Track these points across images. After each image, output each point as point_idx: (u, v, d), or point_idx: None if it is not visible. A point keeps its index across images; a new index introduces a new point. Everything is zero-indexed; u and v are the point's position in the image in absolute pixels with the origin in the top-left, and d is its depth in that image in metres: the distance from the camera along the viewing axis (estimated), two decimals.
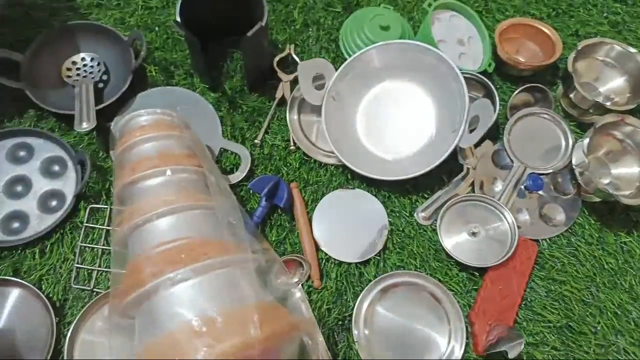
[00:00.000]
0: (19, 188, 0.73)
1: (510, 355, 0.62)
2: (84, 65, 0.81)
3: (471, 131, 0.71)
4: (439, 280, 0.71)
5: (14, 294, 0.66)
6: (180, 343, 0.47)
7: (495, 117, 0.75)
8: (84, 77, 0.80)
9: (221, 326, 0.48)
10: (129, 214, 0.58)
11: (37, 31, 0.83)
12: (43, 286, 0.68)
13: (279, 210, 0.75)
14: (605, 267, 0.74)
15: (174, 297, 0.50)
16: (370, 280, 0.71)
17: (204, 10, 0.74)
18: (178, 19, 0.69)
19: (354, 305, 0.69)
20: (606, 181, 0.76)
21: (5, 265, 0.68)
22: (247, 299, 0.52)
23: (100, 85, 0.81)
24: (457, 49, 0.82)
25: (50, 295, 0.67)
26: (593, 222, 0.77)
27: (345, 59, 0.84)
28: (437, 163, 0.71)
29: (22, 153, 0.75)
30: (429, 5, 0.80)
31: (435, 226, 0.73)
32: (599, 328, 0.70)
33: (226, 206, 0.61)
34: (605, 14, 0.93)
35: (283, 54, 0.85)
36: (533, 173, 0.77)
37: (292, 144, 0.79)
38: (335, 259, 0.72)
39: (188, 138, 0.66)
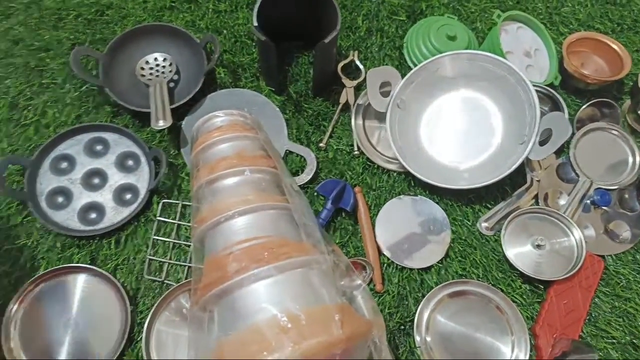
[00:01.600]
0: (96, 180, 0.76)
1: None
2: (157, 65, 0.84)
3: (540, 144, 0.71)
4: (502, 291, 0.71)
5: (91, 281, 0.69)
6: (267, 336, 0.48)
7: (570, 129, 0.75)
8: (157, 76, 0.83)
9: (305, 324, 0.49)
10: (209, 212, 0.60)
11: (112, 30, 0.87)
12: (117, 275, 0.70)
13: (343, 214, 0.76)
14: None
15: (258, 293, 0.52)
16: (431, 287, 0.71)
17: (276, 15, 0.76)
18: (256, 24, 0.71)
19: (416, 310, 0.70)
20: None
21: (83, 254, 0.71)
22: (326, 299, 0.53)
23: (171, 84, 0.83)
24: (523, 60, 0.82)
25: (125, 284, 0.70)
26: None
27: (409, 67, 0.85)
28: (505, 174, 0.71)
29: (98, 147, 0.78)
30: (498, 16, 0.81)
31: (498, 236, 0.73)
32: None
33: (301, 207, 0.63)
34: None
35: (347, 60, 0.86)
36: (600, 188, 0.76)
37: (355, 148, 0.80)
38: (397, 264, 0.73)
39: (262, 139, 0.68)
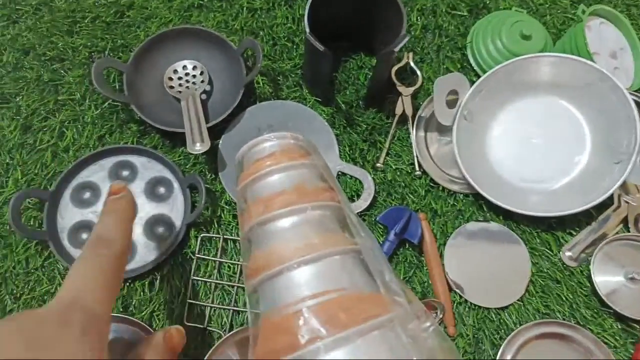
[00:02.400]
0: None
1: None
2: (186, 75, 0.74)
3: None
4: (591, 331, 0.62)
5: (126, 331, 0.60)
6: None
7: None
8: (187, 87, 0.72)
9: None
10: (265, 260, 0.50)
11: (135, 34, 0.76)
12: (153, 323, 0.62)
13: (406, 244, 0.67)
14: None
15: None
16: (512, 329, 0.63)
17: (325, 15, 0.65)
18: (308, 30, 0.60)
19: (494, 355, 0.61)
20: None
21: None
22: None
23: (203, 96, 0.73)
24: (610, 62, 0.72)
25: None
26: None
27: (473, 70, 0.75)
28: (599, 200, 0.61)
29: (125, 173, 0.68)
30: (583, 12, 0.70)
31: (584, 268, 0.64)
32: None
33: (371, 247, 0.53)
34: None
35: (401, 64, 0.76)
36: None
37: (417, 168, 0.70)
38: (470, 303, 0.64)
39: (321, 166, 0.58)
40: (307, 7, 0.62)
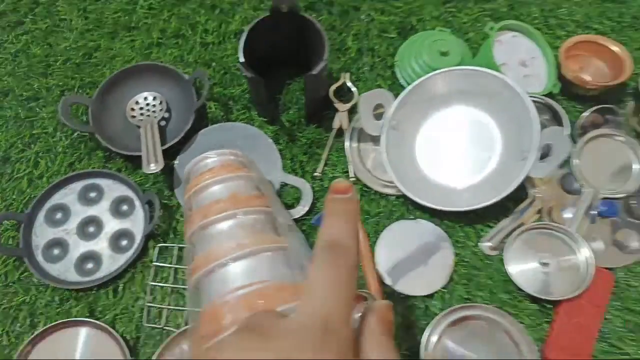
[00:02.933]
0: (92, 229, 0.76)
1: None
2: (147, 105, 0.83)
3: (541, 157, 0.69)
4: (509, 313, 0.69)
5: (91, 333, 0.68)
6: None
7: (570, 146, 0.73)
8: (147, 116, 0.82)
9: None
10: (202, 259, 0.59)
11: (101, 73, 0.86)
12: (117, 325, 0.70)
13: None
14: None
15: None
16: (436, 314, 0.70)
17: (264, 44, 0.75)
18: (242, 60, 0.69)
19: (420, 339, 0.68)
20: None
21: (81, 306, 0.70)
22: None
23: (163, 123, 0.83)
24: (520, 71, 0.80)
25: (124, 334, 0.69)
26: None
27: (402, 86, 0.83)
28: (506, 193, 0.69)
29: (92, 194, 0.78)
30: (491, 28, 0.78)
31: (503, 256, 0.71)
32: None
33: (296, 246, 0.61)
34: None
35: (339, 83, 0.84)
36: (606, 198, 0.73)
37: (351, 175, 0.78)
38: (400, 293, 0.71)
39: (256, 178, 0.67)
40: (243, 38, 0.71)
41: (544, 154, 0.68)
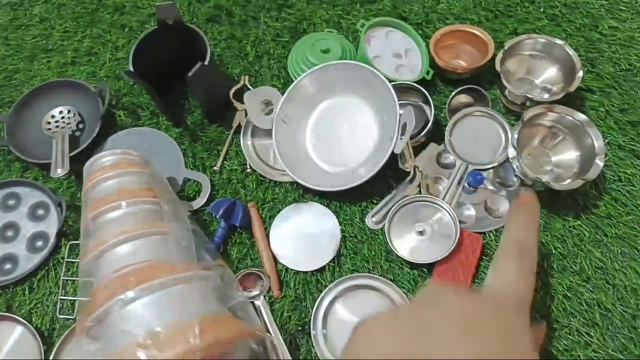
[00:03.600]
0: (10, 233, 0.82)
1: None
2: (62, 118, 0.91)
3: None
4: (391, 280, 0.76)
5: (7, 327, 0.74)
6: (127, 357, 0.53)
7: (431, 115, 0.80)
8: (62, 128, 0.89)
9: (164, 338, 0.54)
10: (91, 247, 0.65)
11: (20, 91, 0.94)
12: (33, 318, 0.76)
13: (239, 229, 0.81)
14: (554, 252, 0.76)
15: (125, 316, 0.56)
16: (326, 286, 0.76)
17: (159, 56, 0.83)
18: (131, 69, 0.77)
19: (312, 309, 0.74)
20: (548, 168, 0.79)
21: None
22: (192, 313, 0.58)
23: (77, 133, 0.90)
24: (394, 62, 0.88)
25: (39, 326, 0.75)
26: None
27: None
28: (376, 169, 0.76)
29: (11, 202, 0.84)
30: (362, 25, 0.86)
31: (385, 229, 0.78)
32: (550, 312, 0.73)
33: (179, 231, 0.68)
34: (542, 9, 0.97)
35: (238, 85, 0.92)
36: (474, 170, 0.81)
37: (248, 167, 0.85)
38: (292, 269, 0.78)
39: (148, 173, 0.74)
40: (132, 49, 0.79)
41: (404, 131, 0.76)
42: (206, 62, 0.77)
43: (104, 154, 0.73)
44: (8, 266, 0.80)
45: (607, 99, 0.87)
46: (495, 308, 0.38)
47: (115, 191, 0.70)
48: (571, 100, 0.84)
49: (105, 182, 0.71)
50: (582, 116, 0.76)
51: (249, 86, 0.92)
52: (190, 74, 0.75)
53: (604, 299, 0.73)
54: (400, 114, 0.76)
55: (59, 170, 0.80)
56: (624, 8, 0.96)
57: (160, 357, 0.52)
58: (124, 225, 0.66)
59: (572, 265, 0.76)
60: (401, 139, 0.75)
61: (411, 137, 0.78)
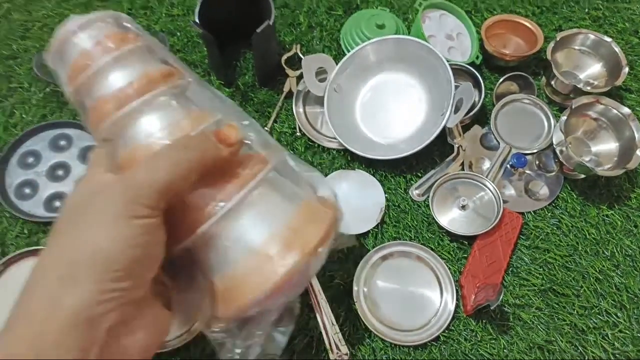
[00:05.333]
0: (60, 172, 0.83)
1: (492, 306, 0.69)
2: None
3: (456, 112, 0.79)
4: (432, 249, 0.79)
5: None
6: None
7: (481, 99, 0.83)
8: None
9: None
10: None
11: None
12: None
13: None
14: (588, 237, 0.80)
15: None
16: (369, 250, 0.79)
17: (219, 15, 0.84)
18: (197, 20, 0.79)
19: (355, 271, 0.77)
20: (587, 158, 0.83)
21: (48, 238, 0.78)
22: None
23: None
24: (446, 43, 0.91)
25: None
26: (576, 197, 0.83)
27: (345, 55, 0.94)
28: (427, 142, 0.79)
29: (62, 142, 0.86)
30: (420, 5, 0.89)
31: (428, 202, 0.81)
32: (581, 291, 0.76)
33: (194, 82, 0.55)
34: (586, 10, 1.01)
35: (290, 53, 0.94)
36: (518, 152, 0.84)
37: (297, 131, 0.88)
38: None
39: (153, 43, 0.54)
40: (198, 5, 0.81)
41: (458, 108, 0.79)
42: (271, 22, 0.79)
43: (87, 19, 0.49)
44: (58, 204, 0.81)
45: None
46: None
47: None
48: (611, 97, 0.87)
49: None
50: (626, 109, 0.80)
51: (300, 54, 0.94)
52: (258, 30, 0.77)
53: (632, 284, 0.77)
54: (456, 87, 0.79)
55: None
56: None
57: None
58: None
59: (604, 251, 0.79)
60: (455, 113, 0.78)
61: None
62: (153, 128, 0.46)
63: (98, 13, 0.49)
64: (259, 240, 0.46)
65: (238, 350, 0.52)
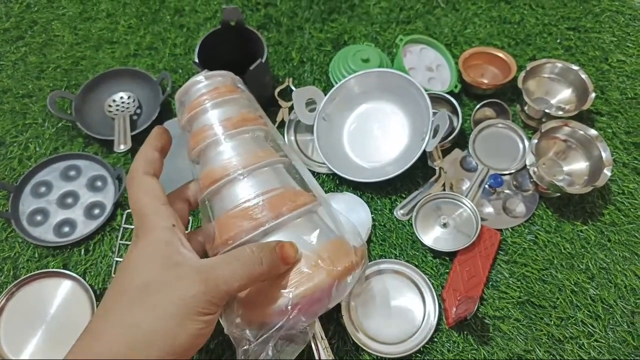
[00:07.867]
0: (69, 200, 0.90)
1: (468, 317, 0.73)
2: (122, 102, 1.00)
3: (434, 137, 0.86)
4: (415, 266, 0.83)
5: (64, 284, 0.81)
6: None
7: (459, 124, 0.90)
8: (122, 111, 0.99)
9: (331, 257, 0.55)
10: (210, 174, 0.58)
11: (85, 77, 1.03)
12: (87, 278, 0.83)
13: None
14: (563, 251, 0.85)
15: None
16: None
17: (218, 54, 0.92)
18: (196, 60, 0.87)
19: None
20: (560, 177, 0.89)
21: (57, 261, 0.84)
22: (336, 232, 0.62)
23: (135, 117, 0.99)
24: (426, 74, 0.98)
25: (93, 285, 0.82)
26: (551, 213, 0.88)
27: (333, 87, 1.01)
28: (408, 165, 0.85)
29: (72, 173, 0.93)
30: (400, 40, 0.97)
31: (412, 221, 0.86)
32: (558, 303, 0.80)
33: (291, 162, 0.66)
34: (559, 40, 1.08)
35: (283, 86, 1.02)
36: (495, 173, 0.90)
37: None
38: None
39: (249, 97, 0.69)
40: (198, 44, 0.89)
41: (436, 133, 0.85)
42: (263, 60, 0.87)
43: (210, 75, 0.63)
44: (66, 229, 0.87)
45: (614, 122, 0.97)
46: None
47: (237, 115, 0.62)
48: (582, 120, 0.94)
49: (217, 107, 0.61)
50: (592, 131, 0.86)
51: (292, 87, 1.02)
52: (251, 67, 0.85)
53: (607, 295, 0.81)
54: (434, 115, 0.85)
55: (122, 146, 0.89)
56: (631, 45, 1.08)
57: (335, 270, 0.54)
58: (253, 152, 0.60)
59: (579, 264, 0.84)
60: (433, 138, 0.84)
61: (440, 140, 0.88)
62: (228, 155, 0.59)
63: (222, 72, 0.65)
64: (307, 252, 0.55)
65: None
